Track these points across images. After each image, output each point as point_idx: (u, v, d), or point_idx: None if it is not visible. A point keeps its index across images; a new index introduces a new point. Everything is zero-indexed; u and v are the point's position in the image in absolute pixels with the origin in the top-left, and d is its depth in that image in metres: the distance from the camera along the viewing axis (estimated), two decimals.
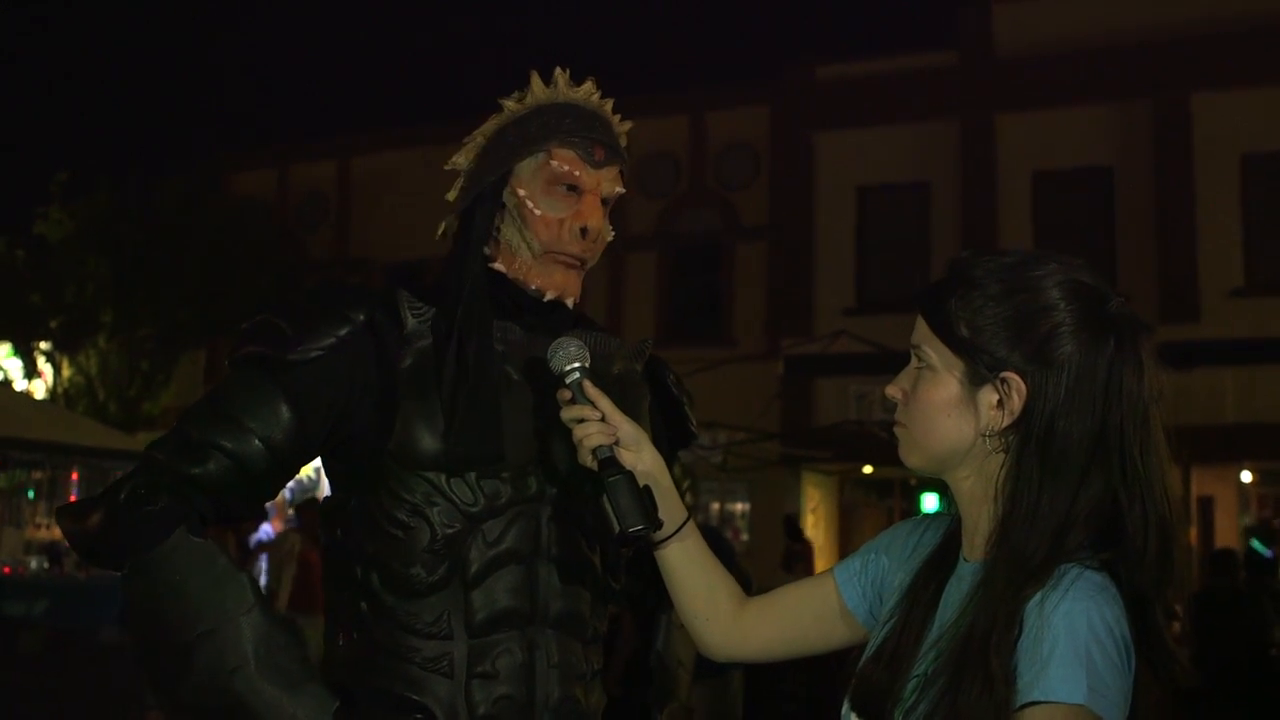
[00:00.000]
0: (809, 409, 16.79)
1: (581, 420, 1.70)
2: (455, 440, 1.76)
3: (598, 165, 1.89)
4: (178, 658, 1.66)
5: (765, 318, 18.19)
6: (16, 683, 10.94)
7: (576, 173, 1.87)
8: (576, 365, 1.71)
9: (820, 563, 17.16)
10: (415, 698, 1.74)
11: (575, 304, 1.94)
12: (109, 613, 13.15)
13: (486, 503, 1.78)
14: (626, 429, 1.72)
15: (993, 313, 1.46)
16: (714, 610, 1.77)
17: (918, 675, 1.44)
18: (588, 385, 1.72)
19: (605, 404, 1.72)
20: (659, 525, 1.68)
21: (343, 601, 1.83)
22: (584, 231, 1.87)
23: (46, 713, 9.43)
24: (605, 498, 1.65)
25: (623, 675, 2.22)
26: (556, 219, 1.87)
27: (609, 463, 1.67)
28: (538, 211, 1.87)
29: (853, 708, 1.53)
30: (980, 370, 1.46)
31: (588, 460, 1.69)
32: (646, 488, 1.68)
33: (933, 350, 1.50)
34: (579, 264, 1.90)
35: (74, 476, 15.23)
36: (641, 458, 1.72)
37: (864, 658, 1.57)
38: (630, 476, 1.66)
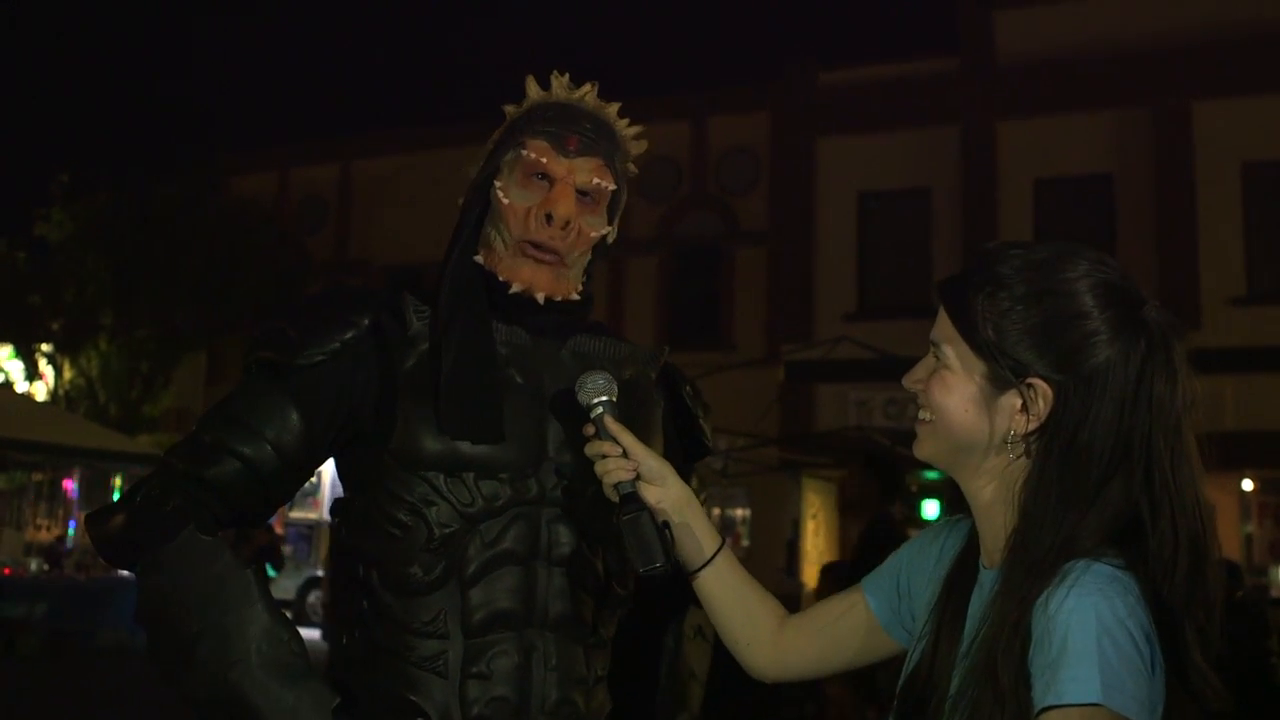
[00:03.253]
0: (809, 415, 16.79)
1: (603, 456, 1.71)
2: (446, 419, 1.77)
3: (570, 154, 1.89)
4: (182, 651, 1.68)
5: (766, 323, 18.20)
6: (15, 684, 10.94)
7: (544, 160, 1.88)
8: (602, 399, 1.74)
9: (818, 570, 17.16)
10: (410, 697, 1.74)
11: (580, 304, 1.94)
12: (108, 615, 13.18)
13: (485, 504, 1.78)
14: (649, 463, 1.72)
15: (1021, 316, 1.41)
16: (755, 634, 1.76)
17: (952, 695, 1.41)
18: (609, 421, 1.73)
19: (627, 439, 1.72)
20: (673, 563, 1.68)
21: (346, 599, 1.85)
22: (549, 218, 1.86)
23: (45, 714, 9.43)
24: (623, 535, 1.66)
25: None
26: (524, 207, 1.88)
27: (630, 499, 1.69)
28: (507, 201, 1.89)
29: None
30: (1005, 374, 1.42)
31: (611, 495, 1.71)
32: (665, 524, 1.69)
33: (953, 349, 1.47)
34: (553, 257, 1.89)
35: (74, 478, 15.23)
36: (667, 492, 1.72)
37: (902, 678, 1.54)
38: (647, 514, 1.67)
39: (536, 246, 1.88)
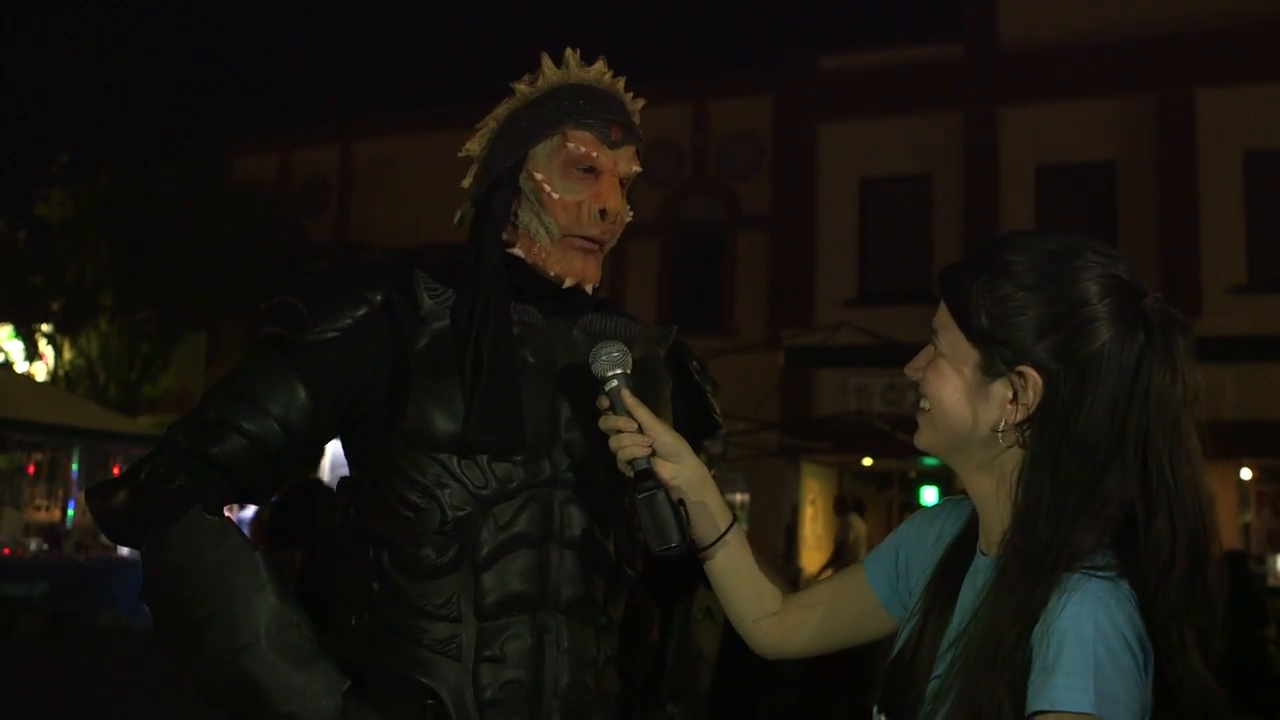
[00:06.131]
0: (809, 400, 16.79)
1: (618, 431, 1.69)
2: (476, 428, 1.75)
3: (614, 145, 1.88)
4: (190, 634, 1.67)
5: (766, 308, 18.18)
6: (15, 664, 10.96)
7: (594, 154, 1.86)
8: (618, 372, 1.71)
9: (817, 555, 17.20)
10: (423, 679, 1.74)
11: (595, 288, 1.93)
12: (107, 596, 13.19)
13: (498, 486, 1.77)
14: (665, 439, 1.70)
15: (1017, 303, 1.39)
16: (761, 612, 1.76)
17: (937, 677, 1.41)
18: (625, 395, 1.70)
19: (643, 414, 1.70)
20: (686, 543, 1.66)
21: (354, 581, 1.82)
22: (603, 213, 1.86)
23: (44, 694, 9.45)
24: (639, 513, 1.65)
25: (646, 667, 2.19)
26: (574, 202, 1.86)
27: (645, 475, 1.67)
28: (555, 195, 1.86)
29: (881, 709, 1.50)
30: (997, 363, 1.40)
31: (626, 471, 1.69)
32: (680, 502, 1.67)
33: (949, 337, 1.46)
34: (597, 247, 1.89)
35: (74, 458, 15.24)
36: (682, 469, 1.71)
37: (890, 658, 1.53)
38: (662, 493, 1.65)
39: (584, 238, 1.87)
